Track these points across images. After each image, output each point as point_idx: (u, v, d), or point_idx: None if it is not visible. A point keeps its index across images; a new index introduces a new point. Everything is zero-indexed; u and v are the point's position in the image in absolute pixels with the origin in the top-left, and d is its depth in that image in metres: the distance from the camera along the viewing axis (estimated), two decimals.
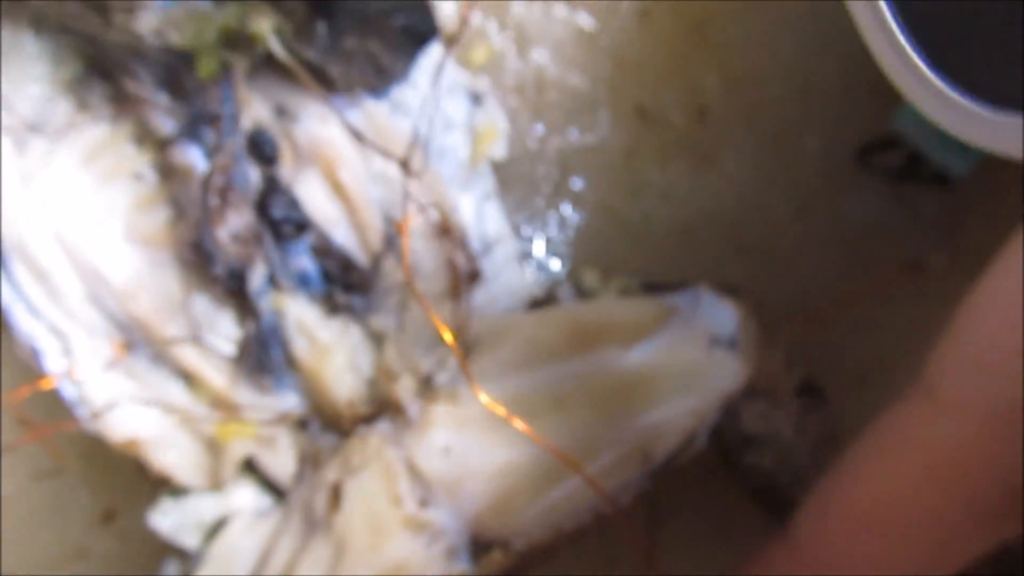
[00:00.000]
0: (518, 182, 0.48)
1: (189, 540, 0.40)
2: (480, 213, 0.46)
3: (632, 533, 0.40)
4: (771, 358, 0.41)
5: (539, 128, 0.48)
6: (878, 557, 0.33)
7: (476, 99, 0.46)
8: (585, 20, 0.49)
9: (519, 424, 0.37)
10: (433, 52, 0.45)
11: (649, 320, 0.40)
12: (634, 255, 0.48)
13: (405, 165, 0.39)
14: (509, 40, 0.49)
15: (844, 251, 0.48)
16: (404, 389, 0.39)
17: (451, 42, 0.44)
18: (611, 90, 0.49)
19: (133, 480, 0.45)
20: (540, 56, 0.49)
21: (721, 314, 0.41)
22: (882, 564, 0.33)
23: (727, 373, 0.40)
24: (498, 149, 0.46)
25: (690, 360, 0.40)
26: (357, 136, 0.40)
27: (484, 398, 0.37)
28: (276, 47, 0.40)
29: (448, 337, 0.39)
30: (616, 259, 0.48)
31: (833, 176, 0.48)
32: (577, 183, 0.48)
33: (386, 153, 0.40)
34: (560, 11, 0.49)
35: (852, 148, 0.48)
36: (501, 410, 0.36)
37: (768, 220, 0.49)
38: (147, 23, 0.38)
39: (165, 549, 0.41)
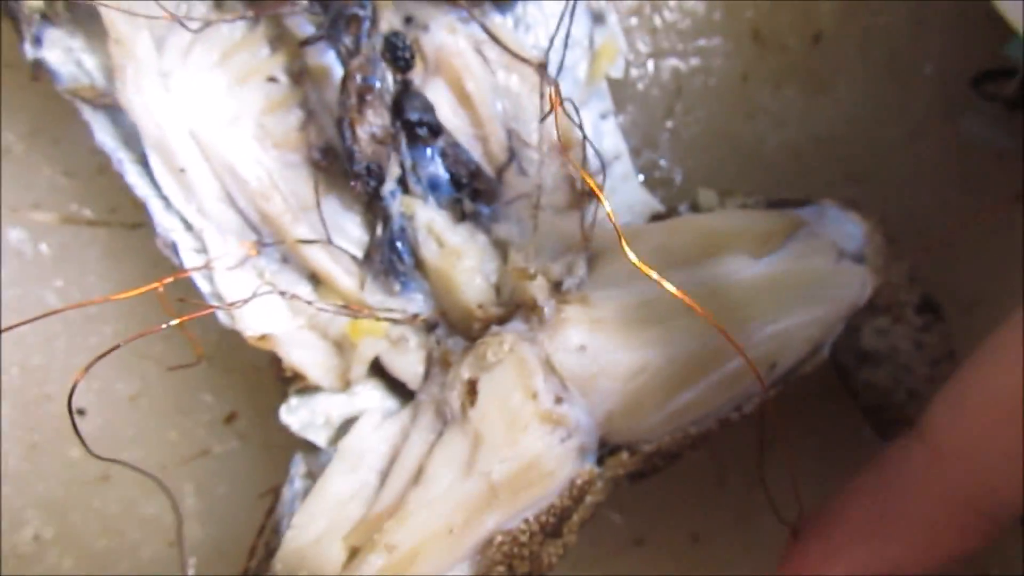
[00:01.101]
0: (634, 102, 0.48)
1: (318, 437, 0.41)
2: (597, 130, 0.46)
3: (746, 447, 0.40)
4: (896, 271, 0.42)
5: (655, 49, 0.49)
6: (1018, 447, 0.33)
7: (597, 17, 0.46)
8: None
9: (668, 287, 0.36)
10: None
11: (777, 230, 0.41)
12: (746, 178, 0.48)
13: (543, 68, 0.40)
14: None
15: (955, 179, 0.48)
16: (538, 288, 0.39)
17: None
18: (727, 13, 0.49)
19: (254, 383, 0.47)
20: None
21: (848, 227, 0.41)
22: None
23: (854, 284, 0.40)
24: (616, 68, 0.46)
25: (818, 270, 0.40)
26: (494, 38, 0.41)
27: (632, 256, 0.36)
28: None
29: (584, 241, 0.39)
30: (729, 181, 0.48)
31: (946, 104, 0.48)
32: (691, 105, 0.49)
33: (525, 58, 0.40)
34: None
35: (965, 77, 0.48)
36: (651, 272, 0.35)
37: (880, 146, 0.49)
38: None
39: (285, 449, 0.42)
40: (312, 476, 0.42)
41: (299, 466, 0.41)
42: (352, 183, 0.40)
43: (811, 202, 0.43)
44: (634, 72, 0.48)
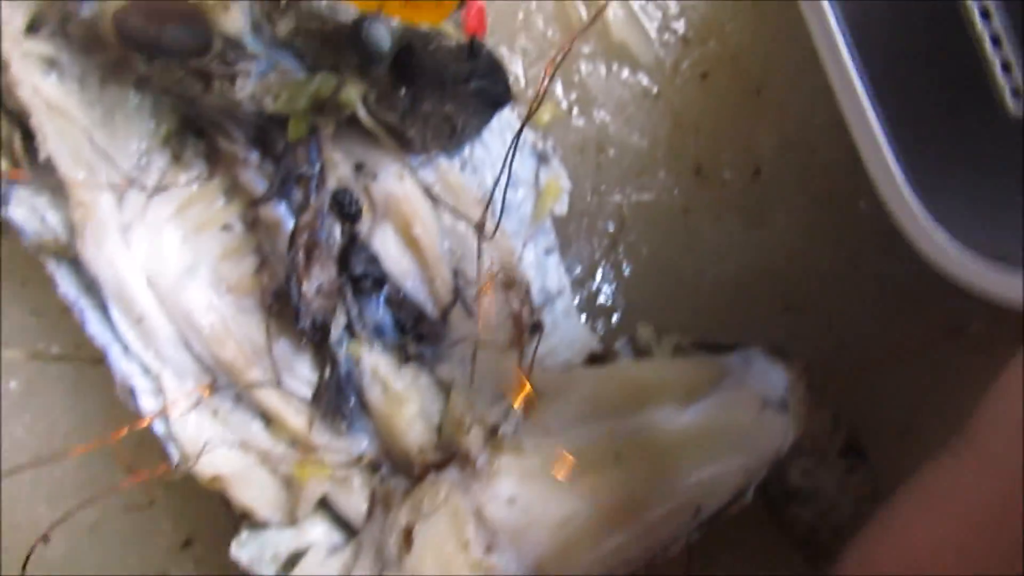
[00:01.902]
0: (578, 237, 0.51)
1: (266, 571, 0.43)
2: (542, 266, 0.48)
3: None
4: (818, 419, 0.44)
5: (599, 185, 0.51)
6: None
7: (542, 157, 0.49)
8: (647, 81, 0.51)
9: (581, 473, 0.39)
10: (504, 113, 0.48)
11: (702, 381, 0.43)
12: (687, 310, 0.50)
13: (480, 228, 0.42)
14: (573, 100, 0.51)
15: (889, 312, 0.50)
16: (473, 439, 0.41)
17: (528, 111, 0.46)
18: (670, 149, 0.51)
19: (211, 510, 0.49)
20: (602, 115, 0.51)
21: (772, 376, 0.43)
22: None
23: (777, 433, 0.42)
24: (560, 205, 0.49)
25: (742, 421, 0.42)
26: (434, 199, 0.43)
27: (551, 448, 0.39)
28: (362, 113, 0.42)
29: (520, 387, 0.42)
30: (670, 314, 0.50)
31: (881, 239, 0.50)
32: (634, 239, 0.51)
33: (465, 217, 0.43)
34: (624, 73, 0.51)
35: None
36: (570, 459, 0.38)
37: (817, 278, 0.51)
38: (245, 90, 0.41)
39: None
40: None
41: None
42: (298, 338, 0.42)
43: (739, 347, 0.45)
44: (578, 207, 0.50)
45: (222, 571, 0.48)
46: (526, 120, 0.44)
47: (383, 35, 0.39)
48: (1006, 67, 0.36)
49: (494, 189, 0.45)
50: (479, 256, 0.43)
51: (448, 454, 0.43)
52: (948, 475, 0.36)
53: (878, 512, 0.39)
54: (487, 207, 0.44)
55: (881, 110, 0.40)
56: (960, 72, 0.37)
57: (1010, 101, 0.36)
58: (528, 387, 0.43)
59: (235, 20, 0.39)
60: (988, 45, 0.36)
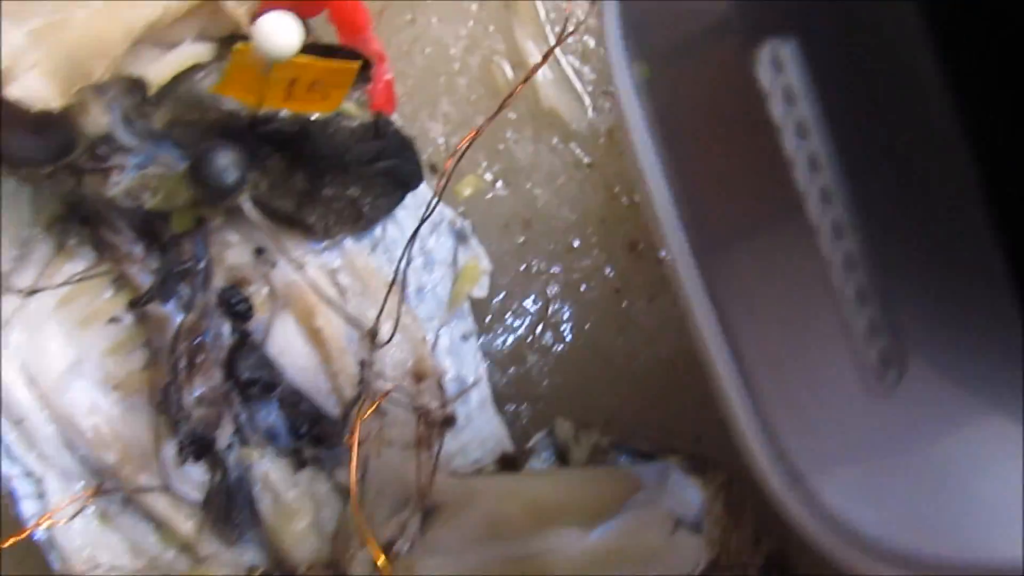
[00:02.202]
0: (502, 319, 0.48)
1: None
2: (458, 353, 0.45)
3: None
4: (737, 537, 0.41)
5: (524, 263, 0.47)
6: None
7: (460, 236, 0.46)
8: (579, 150, 0.47)
9: None
10: (421, 188, 0.44)
11: (612, 500, 0.40)
12: (616, 395, 0.47)
13: (373, 337, 0.39)
14: (498, 171, 0.47)
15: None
16: (360, 564, 0.39)
17: (439, 186, 0.43)
18: (602, 224, 0.47)
19: None
20: (529, 187, 0.48)
21: (687, 494, 0.40)
22: None
23: (688, 556, 0.40)
24: (480, 287, 0.46)
25: (651, 543, 0.40)
26: (339, 286, 0.40)
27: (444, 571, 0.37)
28: (247, 207, 0.40)
29: (421, 498, 0.39)
30: (597, 400, 0.47)
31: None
32: (560, 320, 0.48)
33: (356, 324, 0.40)
34: (554, 140, 0.47)
35: None
36: None
37: None
38: (119, 186, 0.38)
39: None
40: None
41: None
42: (177, 455, 0.39)
43: (657, 458, 0.42)
44: (501, 286, 0.47)
45: None
46: (437, 196, 0.40)
47: (226, 166, 0.36)
48: None
49: (397, 270, 0.42)
50: (363, 368, 0.40)
51: (337, 571, 0.40)
52: None
53: None
54: (388, 292, 0.41)
55: None
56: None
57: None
58: (427, 498, 0.41)
59: (97, 118, 0.36)
60: None
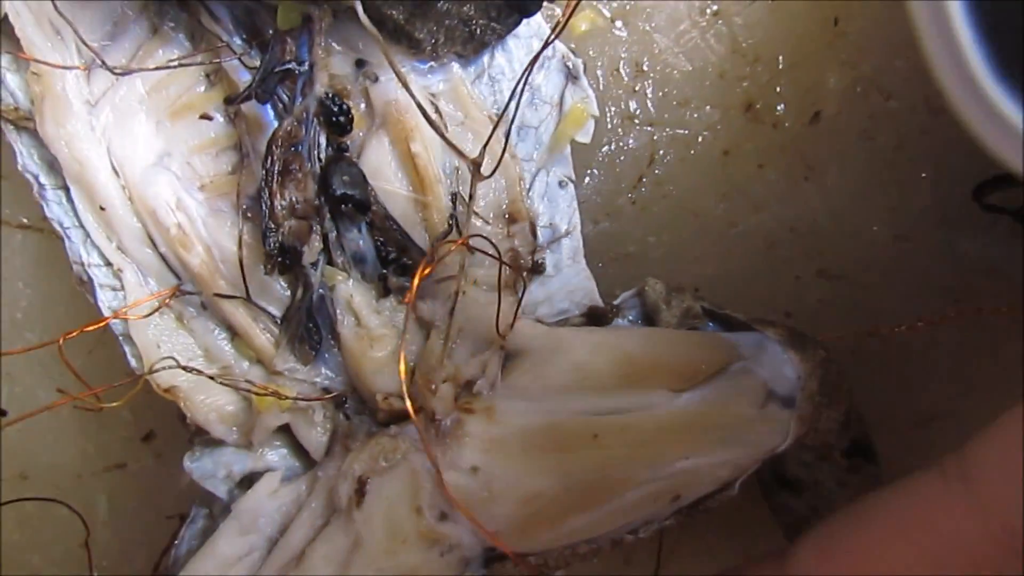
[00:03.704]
0: (600, 166, 0.45)
1: (218, 489, 0.41)
2: (553, 199, 0.43)
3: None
4: (827, 417, 0.39)
5: (632, 111, 0.45)
6: None
7: (571, 75, 0.43)
8: (705, 1, 0.44)
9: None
10: (535, 17, 0.41)
11: (705, 364, 0.39)
12: (711, 262, 0.45)
13: (477, 168, 0.37)
14: (618, 9, 0.44)
15: (932, 297, 0.45)
16: (441, 399, 0.38)
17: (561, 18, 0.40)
18: (720, 79, 0.44)
19: (174, 405, 0.46)
20: (649, 31, 0.44)
21: (784, 368, 0.39)
22: None
23: (777, 432, 0.39)
24: (584, 133, 0.43)
25: (741, 414, 0.38)
26: (436, 127, 0.37)
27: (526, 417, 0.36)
28: (360, 9, 0.36)
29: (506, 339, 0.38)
30: (692, 263, 0.45)
31: (941, 209, 0.44)
32: (662, 176, 0.45)
33: (459, 152, 0.37)
34: None
35: (973, 180, 0.44)
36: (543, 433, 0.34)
37: (861, 245, 0.45)
38: None
39: None
40: (213, 517, 0.42)
41: (198, 518, 0.42)
42: (264, 262, 0.38)
43: (755, 325, 0.40)
44: (605, 133, 0.44)
45: (181, 467, 0.46)
46: (558, 29, 0.37)
47: None
48: None
49: (508, 104, 0.39)
50: (470, 198, 0.37)
51: (415, 406, 0.39)
52: (933, 504, 0.33)
53: (852, 509, 0.36)
54: (495, 125, 0.39)
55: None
56: None
57: None
58: (514, 341, 0.39)
59: None
60: None
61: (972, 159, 0.43)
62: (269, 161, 0.37)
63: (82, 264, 0.40)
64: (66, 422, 0.46)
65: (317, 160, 0.39)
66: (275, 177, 0.37)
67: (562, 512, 0.38)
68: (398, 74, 0.35)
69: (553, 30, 0.38)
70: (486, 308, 0.40)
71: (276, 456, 0.42)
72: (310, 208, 0.38)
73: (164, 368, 0.39)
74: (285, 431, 0.42)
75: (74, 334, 0.37)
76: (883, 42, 0.44)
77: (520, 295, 0.40)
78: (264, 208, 0.37)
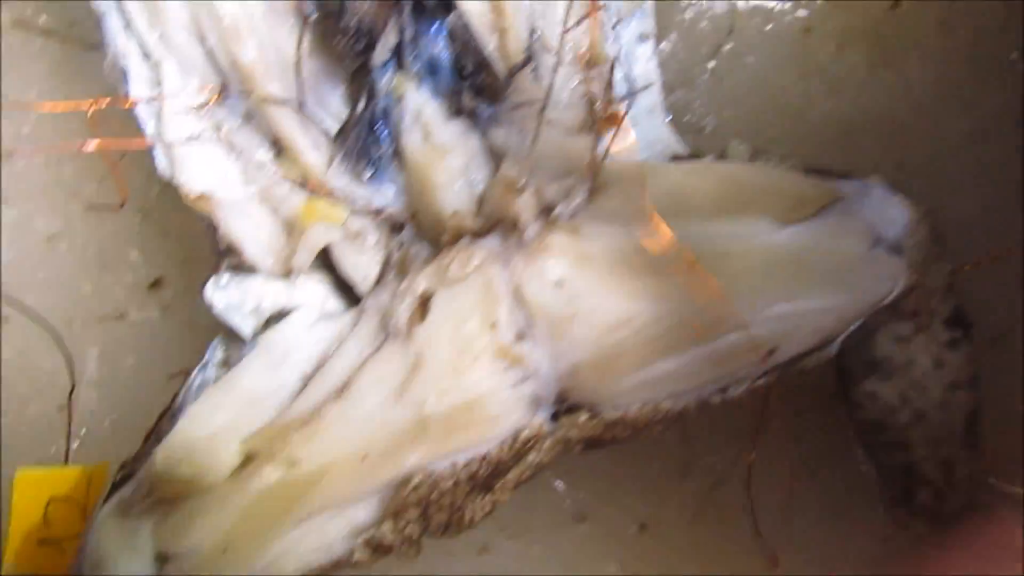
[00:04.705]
0: (679, 31, 0.43)
1: (243, 324, 0.36)
2: (632, 52, 0.40)
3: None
4: (934, 274, 0.36)
5: None
6: None
7: None
8: None
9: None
10: None
11: (810, 198, 0.35)
12: (785, 141, 0.42)
13: None
14: None
15: (1016, 193, 0.43)
16: (524, 204, 0.34)
17: None
18: None
19: (189, 252, 0.41)
20: None
21: (891, 211, 0.36)
22: None
23: (884, 276, 0.35)
24: None
25: (848, 253, 0.35)
26: None
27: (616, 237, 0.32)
28: None
29: (590, 166, 0.34)
30: (765, 141, 0.42)
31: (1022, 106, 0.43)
32: (741, 49, 0.43)
33: None
34: None
35: None
36: (638, 250, 0.30)
37: (941, 139, 0.43)
38: None
39: (209, 332, 0.37)
40: (230, 366, 0.37)
41: (217, 352, 0.36)
42: (336, 40, 0.34)
43: (854, 176, 0.37)
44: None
45: (189, 324, 0.41)
46: None
47: None
48: None
49: None
50: (533, 35, 0.35)
51: (488, 224, 0.35)
52: None
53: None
54: None
55: None
56: None
57: None
58: (599, 167, 0.36)
59: None
60: None
61: None
62: None
63: (119, 52, 0.36)
64: (62, 258, 0.40)
65: None
66: None
67: (650, 349, 0.33)
68: None
69: None
70: (563, 145, 0.37)
71: (316, 291, 0.36)
72: None
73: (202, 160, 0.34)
74: (328, 269, 0.37)
75: (107, 101, 0.32)
76: None
77: (601, 137, 0.37)
78: None
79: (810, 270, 0.34)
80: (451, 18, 0.36)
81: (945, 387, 0.38)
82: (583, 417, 0.34)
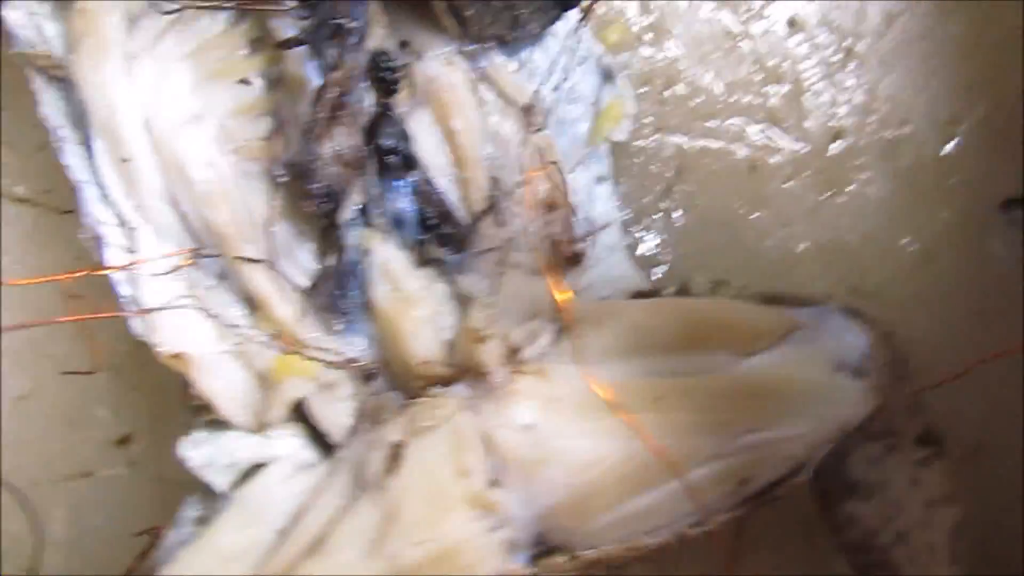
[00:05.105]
0: (631, 175, 0.45)
1: (218, 479, 0.36)
2: (591, 194, 0.42)
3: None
4: (899, 394, 0.37)
5: (661, 123, 0.45)
6: None
7: (606, 75, 0.43)
8: (730, 20, 0.46)
9: (620, 413, 0.32)
10: (570, 17, 0.42)
11: (770, 329, 0.37)
12: (740, 274, 0.44)
13: (528, 112, 0.36)
14: (646, 25, 0.46)
15: (970, 308, 0.44)
16: (491, 352, 0.35)
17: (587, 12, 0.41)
18: (743, 95, 0.45)
19: (158, 408, 0.41)
20: (675, 49, 0.46)
21: (849, 336, 0.37)
22: None
23: (849, 401, 0.36)
24: (620, 131, 0.43)
25: (810, 381, 0.36)
26: (479, 80, 0.36)
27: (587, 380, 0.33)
28: None
29: (556, 307, 0.35)
30: (724, 271, 0.44)
31: (970, 226, 0.45)
32: (692, 188, 0.45)
33: (510, 99, 0.36)
34: (706, 8, 0.46)
35: (997, 197, 0.45)
36: (604, 392, 0.32)
37: (890, 261, 0.45)
38: None
39: (178, 487, 0.37)
40: (205, 523, 0.36)
41: (191, 509, 0.36)
42: (306, 201, 0.35)
43: (811, 303, 0.38)
44: (635, 144, 0.45)
45: (158, 478, 0.40)
46: (584, 17, 0.38)
47: None
48: None
49: (546, 92, 0.39)
50: (523, 142, 0.36)
51: (457, 371, 0.36)
52: None
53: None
54: (535, 101, 0.38)
55: None
56: None
57: None
58: (563, 309, 0.37)
59: None
60: None
61: (996, 174, 0.45)
62: (319, 105, 0.36)
63: (95, 221, 0.37)
64: (31, 418, 0.40)
65: (364, 116, 0.37)
66: (322, 120, 0.36)
67: (623, 485, 0.34)
68: None
69: (584, 15, 0.39)
70: (528, 287, 0.38)
71: (291, 444, 0.37)
72: (355, 159, 0.36)
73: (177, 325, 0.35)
74: (303, 421, 0.37)
75: (80, 273, 0.33)
76: (899, 68, 0.46)
77: (564, 276, 0.38)
78: (311, 148, 0.35)
79: (776, 399, 0.35)
80: (414, 174, 0.38)
81: (923, 504, 0.38)
82: (561, 559, 0.34)
